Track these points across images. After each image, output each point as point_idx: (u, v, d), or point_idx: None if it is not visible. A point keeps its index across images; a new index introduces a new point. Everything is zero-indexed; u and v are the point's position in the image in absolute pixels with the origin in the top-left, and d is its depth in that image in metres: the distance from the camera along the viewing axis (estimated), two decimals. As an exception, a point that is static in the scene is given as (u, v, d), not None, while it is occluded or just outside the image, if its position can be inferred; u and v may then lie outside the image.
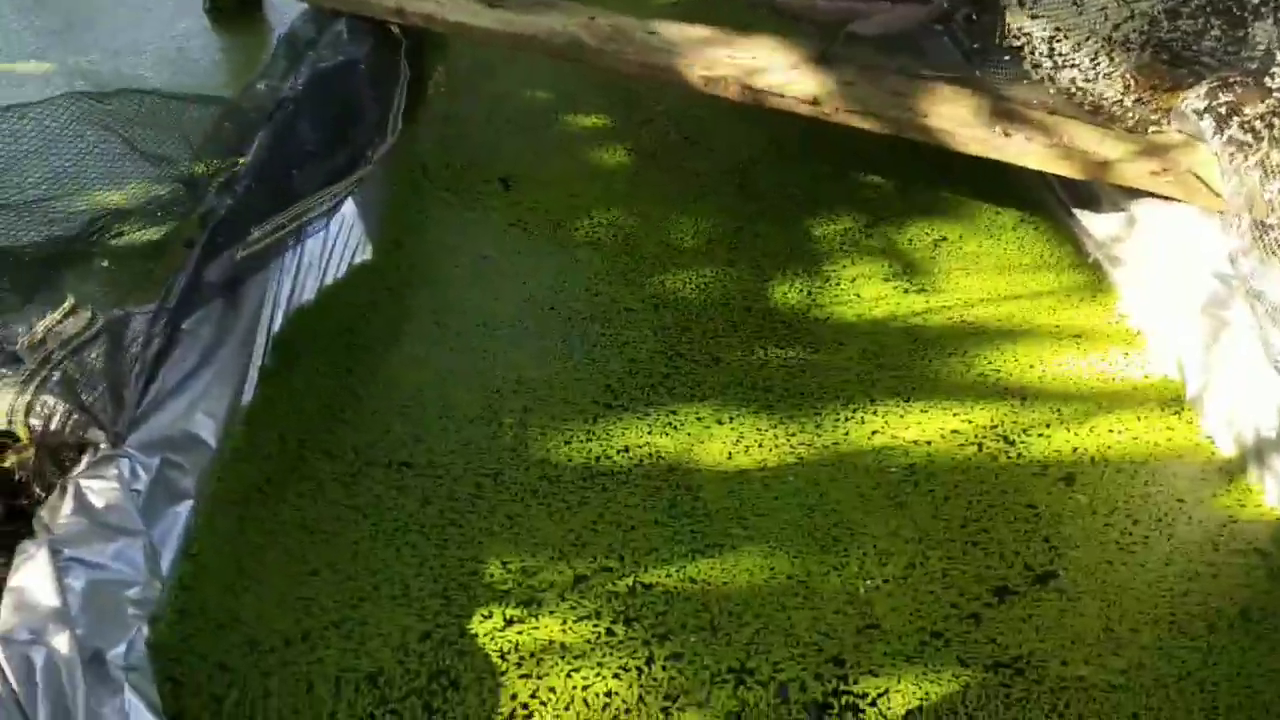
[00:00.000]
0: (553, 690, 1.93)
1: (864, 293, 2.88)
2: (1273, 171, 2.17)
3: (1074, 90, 2.66)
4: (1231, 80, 2.41)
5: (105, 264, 2.36)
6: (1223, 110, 2.36)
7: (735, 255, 3.03)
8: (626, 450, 2.41)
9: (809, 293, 2.88)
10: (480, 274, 2.98)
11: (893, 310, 2.82)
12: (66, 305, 2.04)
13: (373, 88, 3.23)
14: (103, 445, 1.86)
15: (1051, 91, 2.69)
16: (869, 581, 2.11)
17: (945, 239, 3.08)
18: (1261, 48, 2.41)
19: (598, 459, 2.39)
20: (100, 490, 1.80)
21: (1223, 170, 2.32)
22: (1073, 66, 2.64)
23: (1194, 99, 2.44)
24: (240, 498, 2.29)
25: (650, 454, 2.40)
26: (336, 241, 2.91)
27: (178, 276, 2.23)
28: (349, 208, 2.94)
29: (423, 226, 3.19)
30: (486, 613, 2.06)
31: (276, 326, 2.68)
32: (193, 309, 2.20)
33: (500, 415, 2.50)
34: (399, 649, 1.99)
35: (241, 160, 2.80)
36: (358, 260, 2.97)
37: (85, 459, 1.86)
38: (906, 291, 2.88)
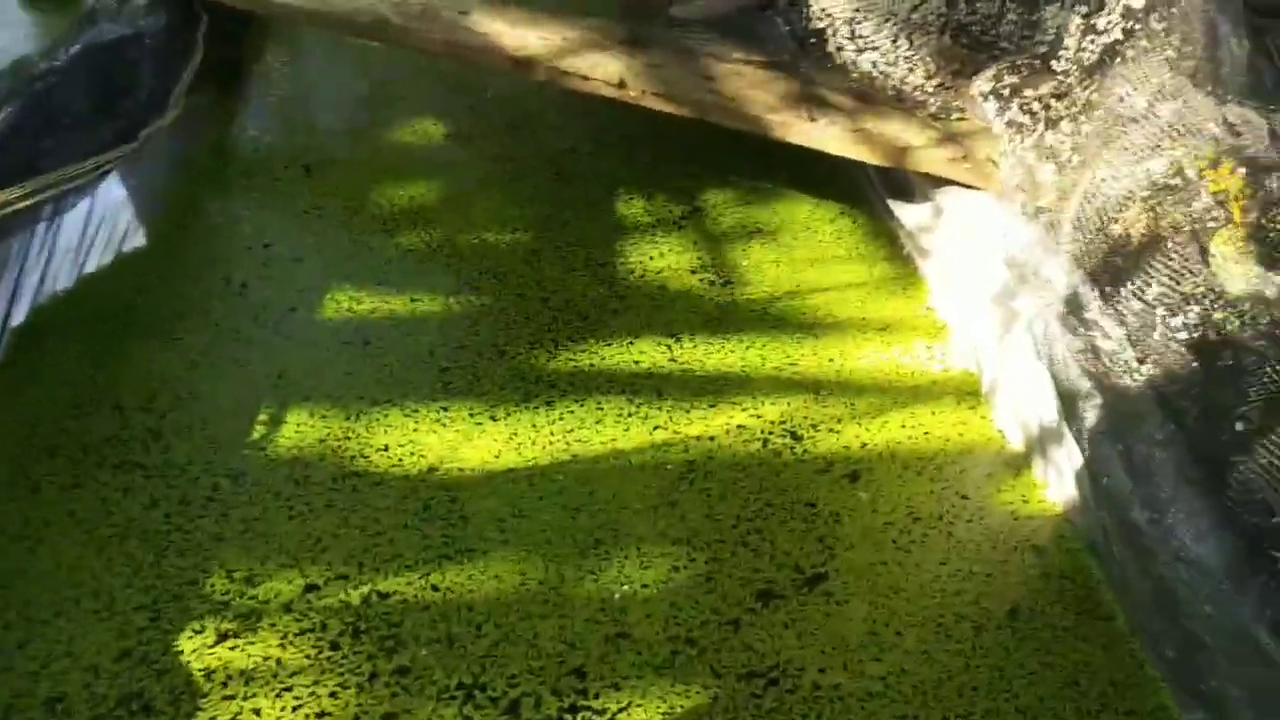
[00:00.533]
0: (257, 713, 1.73)
1: (668, 285, 2.74)
2: (1045, 153, 2.09)
3: (875, 74, 2.57)
4: (1020, 63, 2.34)
5: None
6: (1005, 92, 2.28)
7: (541, 244, 2.87)
8: (386, 449, 2.22)
9: (610, 284, 2.73)
10: (263, 262, 2.76)
11: (694, 304, 2.69)
12: None
13: (155, 63, 3.00)
14: None
15: (854, 76, 2.60)
16: (625, 587, 1.96)
17: (760, 230, 2.96)
18: (1052, 32, 2.34)
19: (353, 458, 2.20)
20: None
21: (1002, 151, 2.24)
22: (873, 49, 2.55)
23: (982, 82, 2.37)
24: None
25: (411, 453, 2.22)
26: (101, 224, 2.66)
27: None
28: (117, 191, 2.70)
29: (211, 211, 2.97)
30: (198, 627, 1.85)
31: (19, 318, 2.44)
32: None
33: (254, 411, 2.29)
34: (89, 669, 1.77)
35: None
36: (127, 246, 2.72)
37: None
38: (712, 284, 2.76)
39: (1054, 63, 2.29)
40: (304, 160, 3.19)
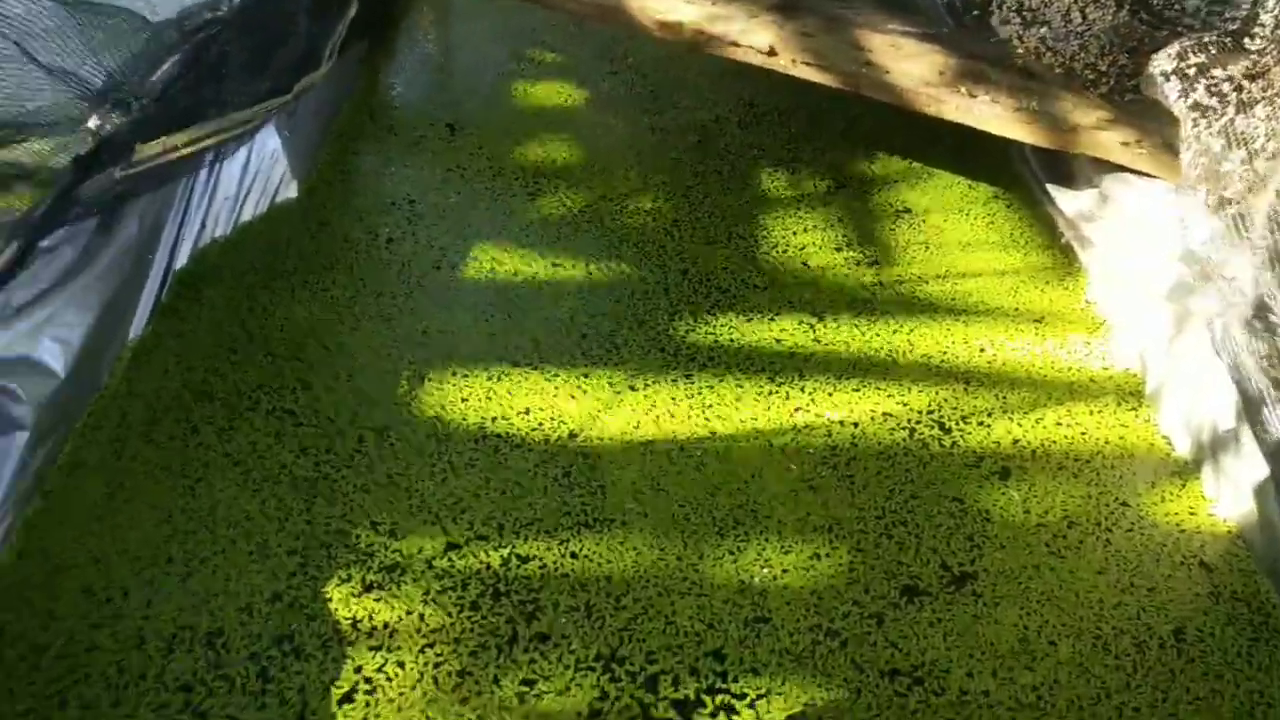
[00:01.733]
0: (401, 665, 1.75)
1: (811, 261, 2.67)
2: (1235, 140, 1.95)
3: (1044, 50, 2.43)
4: (1207, 41, 2.18)
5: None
6: (1190, 72, 2.13)
7: (681, 215, 2.82)
8: (527, 412, 2.22)
9: (752, 258, 2.68)
10: (407, 219, 2.78)
11: (839, 282, 2.61)
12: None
13: (311, 17, 3.03)
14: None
15: (1020, 51, 2.46)
16: (765, 570, 1.92)
17: (909, 210, 2.86)
18: (1245, 7, 2.17)
19: (494, 419, 2.21)
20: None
21: (1184, 137, 2.09)
22: (1044, 24, 2.41)
23: (1164, 60, 2.21)
24: (111, 436, 2.12)
25: (552, 417, 2.21)
26: (257, 176, 2.73)
27: (50, 193, 2.06)
28: (273, 141, 2.76)
29: (356, 168, 3.00)
30: (345, 576, 1.88)
31: (181, 261, 2.52)
32: (55, 225, 2.02)
33: (398, 367, 2.32)
34: (244, 609, 1.82)
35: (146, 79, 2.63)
36: (280, 198, 2.79)
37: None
38: (858, 264, 2.67)
39: (1247, 40, 2.13)
40: (448, 119, 3.20)
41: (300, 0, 3.05)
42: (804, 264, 2.66)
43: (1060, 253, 2.73)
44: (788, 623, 1.83)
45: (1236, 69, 2.07)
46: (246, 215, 2.72)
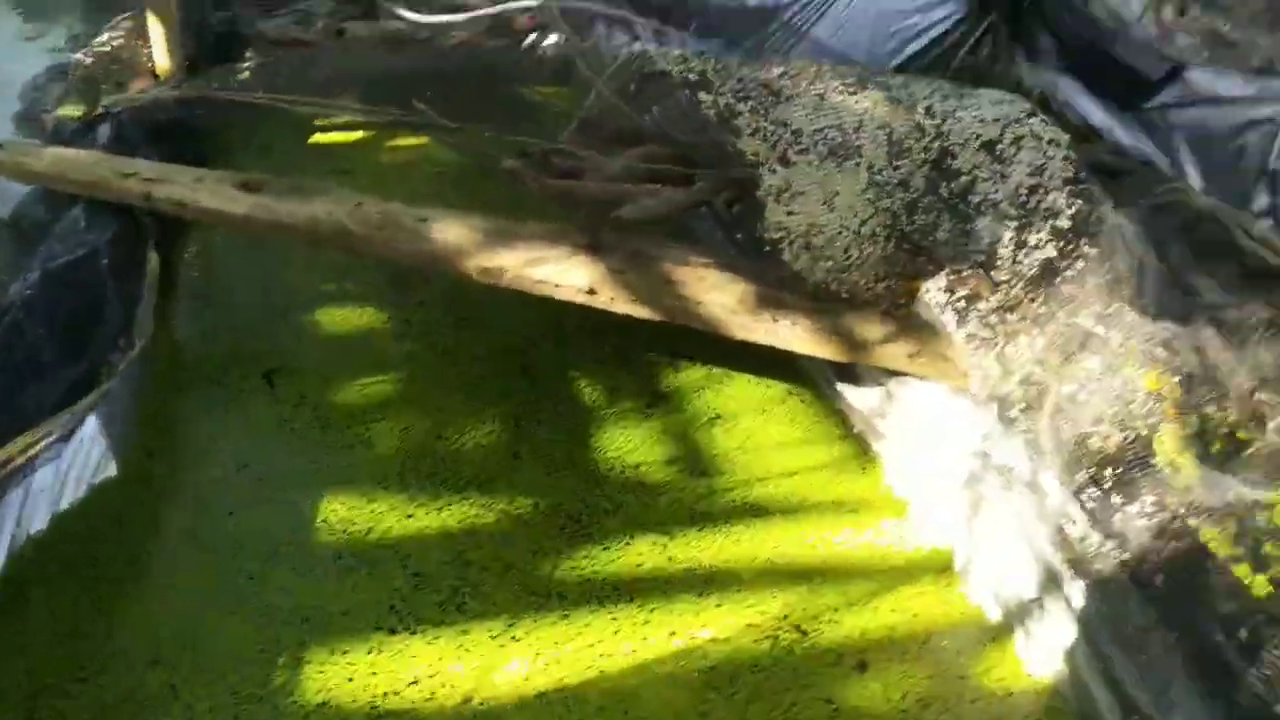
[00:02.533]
0: None
1: (648, 479, 2.88)
2: (1009, 366, 2.38)
3: (829, 280, 2.83)
4: (965, 274, 2.64)
5: None
6: (961, 304, 2.57)
7: (519, 446, 2.97)
8: (416, 683, 2.25)
9: (596, 482, 2.85)
10: (242, 484, 2.75)
11: (678, 496, 2.83)
12: None
13: (117, 282, 2.99)
14: None
15: (809, 280, 2.85)
16: (683, 807, 2.04)
17: (720, 416, 3.15)
18: (985, 241, 2.66)
19: (385, 695, 2.21)
20: None
21: (968, 364, 2.51)
22: (828, 259, 2.81)
23: (935, 291, 2.65)
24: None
25: (443, 685, 2.25)
26: (75, 460, 2.61)
27: None
28: (89, 423, 2.66)
29: (177, 431, 2.93)
30: None
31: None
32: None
33: (273, 653, 2.28)
34: None
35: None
36: (99, 478, 2.67)
37: None
38: (690, 474, 2.91)
39: (995, 272, 2.60)
40: (261, 368, 3.20)
41: (102, 268, 3.00)
42: (642, 483, 2.87)
43: (855, 443, 3.09)
44: None
45: (995, 300, 2.52)
46: (64, 504, 2.58)
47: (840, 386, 3.13)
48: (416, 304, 3.57)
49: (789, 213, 2.93)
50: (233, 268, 3.72)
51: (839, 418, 3.18)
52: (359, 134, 4.90)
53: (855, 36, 4.75)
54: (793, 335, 2.87)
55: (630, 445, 3.01)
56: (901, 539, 2.76)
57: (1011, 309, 2.51)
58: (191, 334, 3.33)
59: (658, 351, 3.42)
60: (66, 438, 2.46)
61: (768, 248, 2.97)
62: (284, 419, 3.00)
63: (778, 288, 2.98)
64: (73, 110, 4.37)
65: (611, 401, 3.19)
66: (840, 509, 2.84)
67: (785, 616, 2.49)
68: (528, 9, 5.17)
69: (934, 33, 5.53)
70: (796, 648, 2.41)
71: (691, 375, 3.33)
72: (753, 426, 3.13)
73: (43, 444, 2.35)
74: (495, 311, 3.54)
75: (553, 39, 5.13)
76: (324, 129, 4.87)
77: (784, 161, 2.95)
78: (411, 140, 4.80)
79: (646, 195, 3.51)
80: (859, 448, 3.08)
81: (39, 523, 2.50)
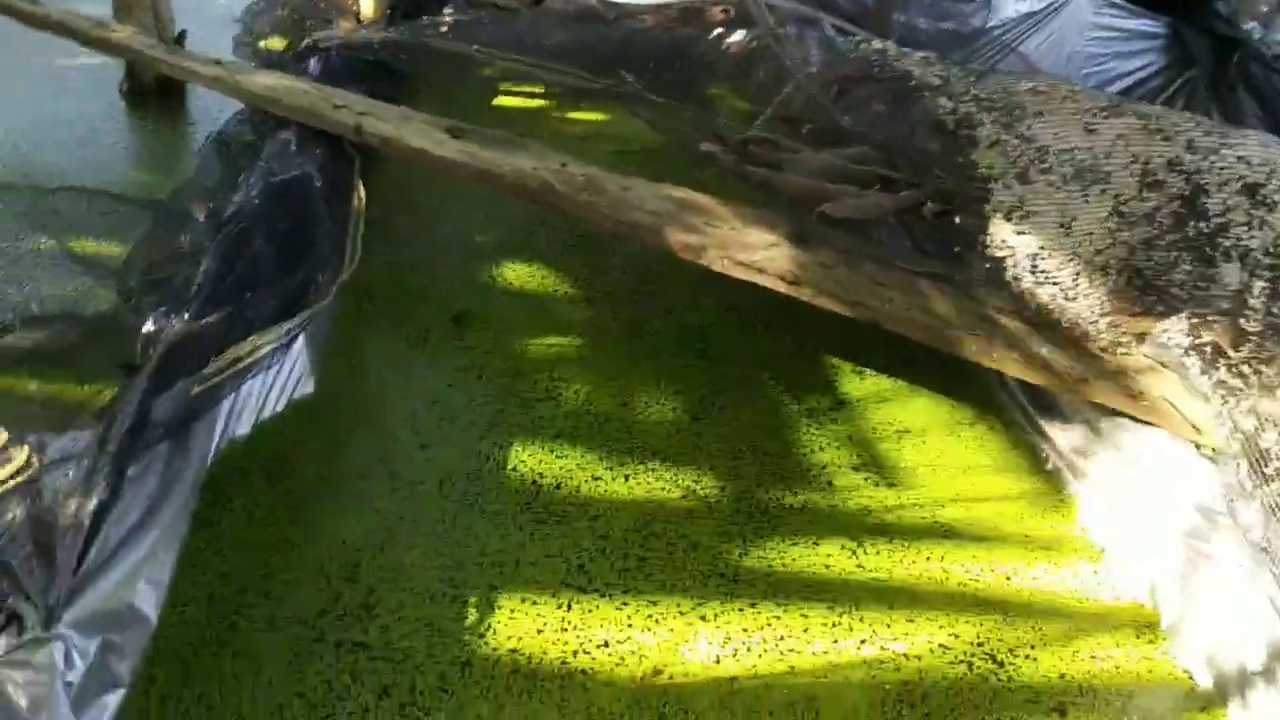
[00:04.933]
0: None
1: (835, 482, 2.80)
2: (1265, 421, 2.23)
3: (1052, 306, 2.71)
4: (1210, 319, 2.50)
5: (32, 386, 2.02)
6: (1208, 351, 2.43)
7: (701, 427, 2.91)
8: (606, 645, 2.19)
9: (781, 476, 2.77)
10: (432, 421, 2.74)
11: (866, 504, 2.74)
12: (-3, 440, 1.70)
13: (328, 207, 3.00)
14: (30, 624, 1.52)
15: (1029, 302, 2.74)
16: (878, 820, 1.94)
17: (908, 431, 3.05)
18: (1232, 288, 2.52)
19: (574, 653, 2.16)
20: (26, 684, 1.46)
21: (1216, 414, 2.37)
22: (1054, 284, 2.70)
23: (1176, 333, 2.52)
24: (160, 675, 1.94)
25: (632, 651, 2.19)
26: (280, 373, 2.62)
27: (120, 411, 1.92)
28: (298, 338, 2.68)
29: (368, 361, 2.94)
30: (458, 843, 1.77)
31: (208, 464, 2.37)
32: (139, 453, 1.88)
33: (464, 593, 2.24)
34: None
35: (183, 276, 2.52)
36: (299, 394, 2.67)
37: (3, 640, 1.51)
38: (878, 485, 2.81)
39: (1243, 320, 2.46)
40: (450, 311, 3.20)
41: (315, 190, 3.02)
42: (829, 484, 2.78)
43: (1046, 478, 2.96)
44: None
45: (1246, 351, 2.38)
46: (266, 413, 2.59)
47: (1039, 417, 3.00)
48: (599, 271, 3.54)
49: (1018, 232, 2.82)
50: (423, 210, 3.73)
51: (1032, 449, 3.05)
52: (539, 103, 4.92)
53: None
54: (1006, 357, 2.75)
55: (815, 445, 2.92)
56: (1098, 586, 2.62)
57: (1267, 361, 2.36)
58: (383, 268, 3.33)
59: (837, 354, 3.33)
60: (283, 348, 2.46)
61: (988, 265, 2.87)
62: (474, 363, 2.98)
63: (989, 305, 2.88)
64: (277, 42, 4.45)
65: (794, 398, 3.10)
66: (1032, 544, 2.71)
67: (980, 644, 2.38)
68: (720, 1, 5.14)
69: (1129, 80, 5.36)
70: (992, 678, 2.30)
71: (875, 384, 3.23)
72: (942, 446, 3.02)
73: (263, 351, 2.35)
74: (675, 289, 3.50)
75: (740, 35, 5.09)
76: (508, 93, 4.91)
77: (1023, 179, 2.84)
78: (591, 115, 4.80)
79: (850, 195, 3.44)
80: (1053, 484, 2.95)
81: (244, 426, 2.51)
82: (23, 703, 1.43)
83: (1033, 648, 2.40)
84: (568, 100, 4.86)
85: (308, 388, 2.72)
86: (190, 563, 2.16)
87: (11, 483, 1.65)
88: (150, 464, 1.92)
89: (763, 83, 4.62)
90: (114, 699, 1.63)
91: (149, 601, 1.75)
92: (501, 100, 4.86)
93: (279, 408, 2.63)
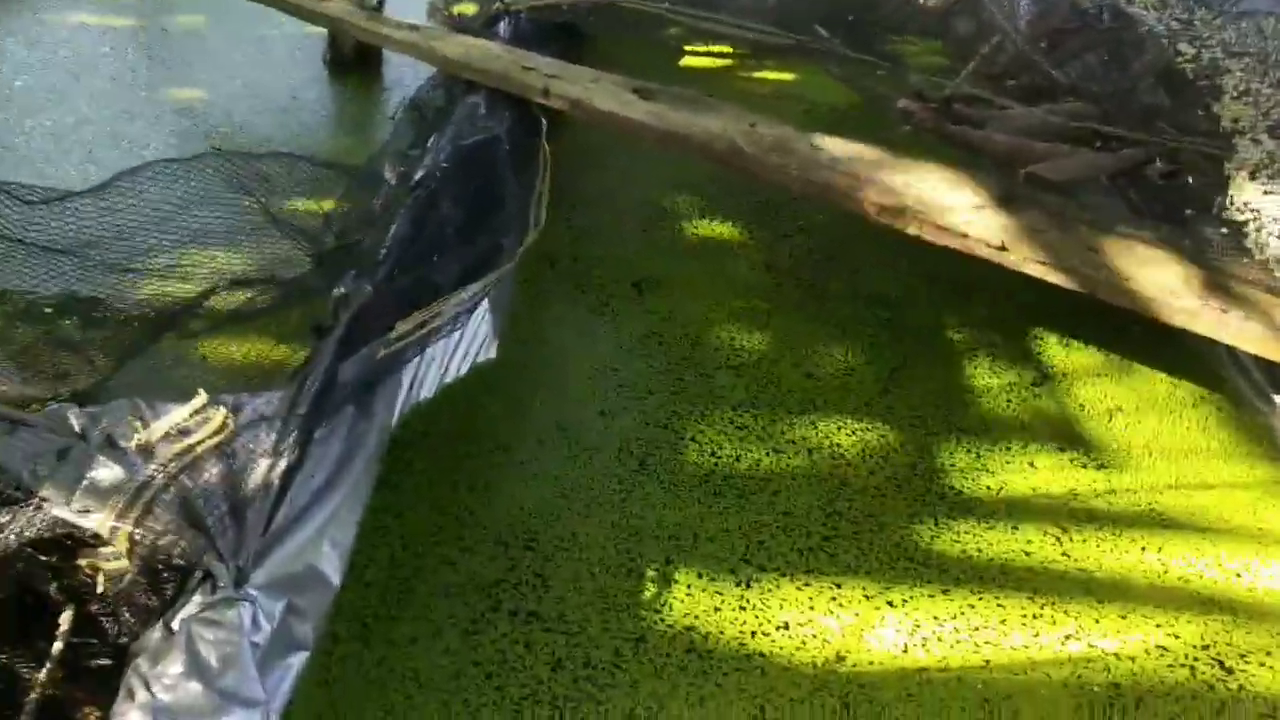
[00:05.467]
0: None
1: (1038, 462, 2.58)
2: None
3: (1304, 274, 2.40)
4: None
5: (233, 347, 2.09)
6: None
7: (891, 400, 2.74)
8: (786, 627, 2.10)
9: (977, 455, 2.58)
10: (610, 388, 2.70)
11: (1072, 487, 2.51)
12: (197, 401, 1.76)
13: (514, 171, 2.99)
14: (222, 584, 1.56)
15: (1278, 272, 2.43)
16: (1085, 836, 1.78)
17: (1120, 409, 2.78)
18: None
19: (753, 634, 2.08)
20: (216, 642, 1.50)
21: None
22: (1307, 248, 2.38)
23: None
24: (342, 634, 1.98)
25: (814, 634, 2.08)
26: (464, 337, 2.65)
27: (310, 373, 1.96)
28: (482, 303, 2.69)
29: (548, 325, 2.93)
30: (633, 825, 1.73)
31: (393, 427, 2.41)
32: (327, 415, 1.91)
33: (639, 565, 2.20)
34: None
35: (373, 240, 2.57)
36: (481, 358, 2.69)
37: (198, 597, 1.56)
38: (1085, 466, 2.58)
39: None
40: (630, 276, 3.15)
41: (503, 153, 3.02)
42: (1031, 464, 2.57)
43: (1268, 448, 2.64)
44: None
45: None
46: (450, 377, 2.62)
47: (1276, 398, 2.68)
48: (782, 235, 3.41)
49: (1265, 192, 2.50)
50: (608, 173, 3.69)
51: (1266, 434, 2.73)
52: (727, 62, 4.78)
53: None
54: (1243, 331, 2.45)
55: (1016, 422, 2.71)
56: (1348, 587, 2.32)
57: None
58: (567, 232, 3.32)
59: (1043, 325, 3.08)
60: (468, 312, 2.47)
61: (1225, 230, 2.56)
62: (652, 330, 2.92)
63: (1222, 273, 2.57)
64: (469, 8, 4.50)
65: (992, 371, 2.89)
66: (1270, 540, 2.42)
67: (1205, 647, 2.14)
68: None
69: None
70: (1220, 686, 2.06)
71: (1084, 358, 2.97)
72: (1160, 427, 2.74)
73: (448, 315, 2.36)
74: (861, 253, 3.32)
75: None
76: (695, 53, 4.80)
77: (1275, 132, 2.51)
78: (779, 74, 4.64)
79: (1062, 154, 3.16)
80: (1291, 469, 2.63)
81: (428, 389, 2.55)
82: (212, 660, 1.47)
83: (1268, 654, 2.14)
84: (755, 59, 4.72)
85: (491, 353, 2.73)
86: (372, 525, 2.20)
87: (209, 443, 1.71)
88: (336, 427, 1.95)
89: (962, 37, 4.33)
90: (297, 661, 1.67)
91: (331, 564, 1.78)
92: (688, 60, 4.76)
93: (463, 372, 2.66)
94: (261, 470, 1.74)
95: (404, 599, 2.07)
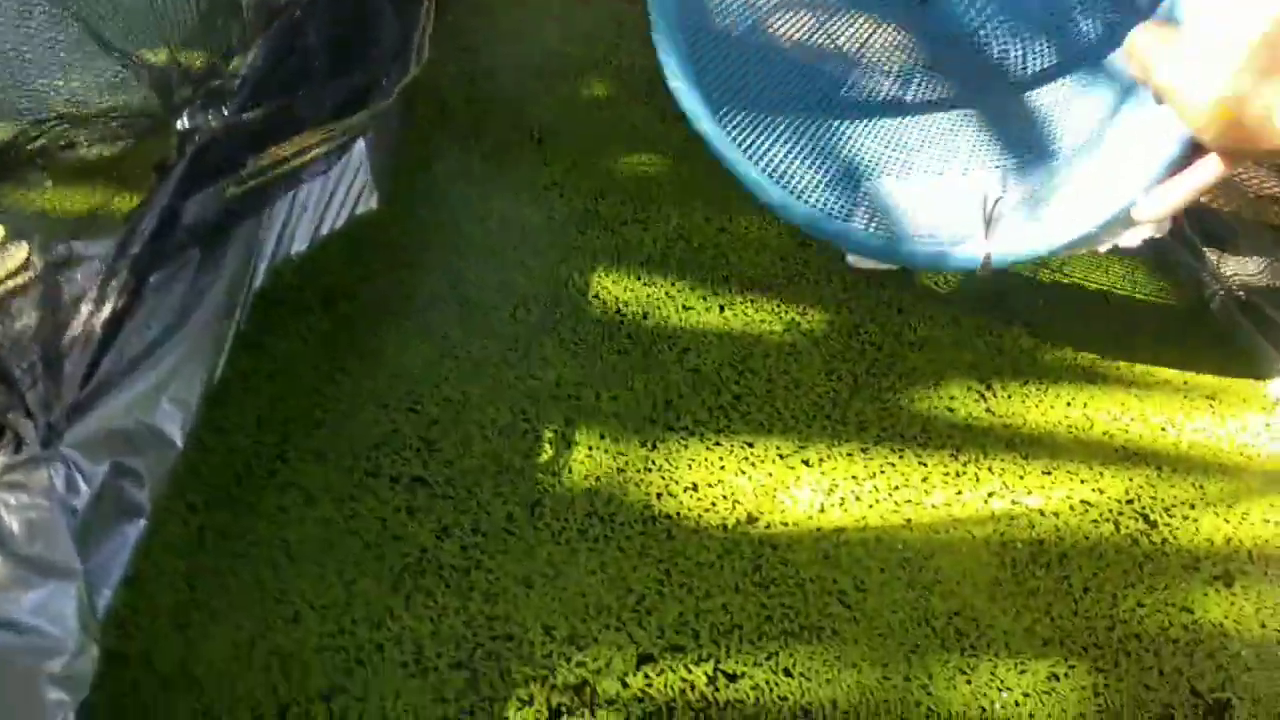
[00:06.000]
0: (615, 817, 1.46)
1: (960, 317, 2.44)
2: None
3: None
4: None
5: (48, 183, 1.80)
6: None
7: (808, 255, 2.56)
8: (695, 489, 1.94)
9: (899, 309, 2.43)
10: (508, 241, 2.46)
11: (996, 342, 2.39)
12: (-5, 235, 1.49)
13: (393, 2, 2.67)
14: (28, 442, 1.32)
15: None
16: (1004, 694, 1.68)
17: (1046, 265, 2.65)
18: None
19: (659, 496, 1.92)
20: (22, 508, 1.27)
21: None
22: None
23: None
24: (200, 503, 1.76)
25: (724, 496, 1.93)
26: (340, 184, 2.37)
27: (146, 212, 1.69)
28: (358, 145, 2.41)
29: (442, 178, 2.65)
30: (525, 696, 1.58)
31: (259, 281, 2.15)
32: (164, 259, 1.65)
33: (537, 426, 2.01)
34: (409, 740, 1.50)
35: (230, 67, 2.25)
36: (361, 209, 2.42)
37: (1, 457, 1.32)
38: (1010, 323, 2.45)
39: None
40: (528, 126, 2.87)
41: (380, -16, 2.69)
42: (954, 320, 2.43)
43: (1214, 319, 2.55)
44: (1045, 763, 1.60)
45: None
46: (325, 229, 2.35)
47: (1208, 252, 2.57)
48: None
49: None
50: (496, 16, 3.36)
51: (1192, 285, 2.63)
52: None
53: None
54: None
55: (939, 279, 2.56)
56: (1271, 441, 2.25)
57: None
58: (457, 76, 3.01)
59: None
60: (339, 153, 2.19)
61: None
62: (554, 182, 2.68)
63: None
64: None
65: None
66: (1195, 393, 2.34)
67: (1129, 501, 2.05)
68: None
69: None
70: (1144, 540, 1.98)
71: (1011, 212, 2.82)
72: (1084, 281, 2.62)
73: (314, 152, 2.09)
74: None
75: None
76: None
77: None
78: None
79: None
80: (1219, 325, 2.54)
81: (300, 242, 2.28)
82: (15, 528, 1.24)
83: (1192, 507, 2.06)
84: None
85: (372, 203, 2.46)
86: (239, 388, 1.96)
87: (11, 283, 1.44)
88: (178, 274, 1.69)
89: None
90: (134, 530, 1.44)
91: (173, 423, 1.54)
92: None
93: (339, 224, 2.39)
94: (82, 317, 1.49)
95: (273, 466, 1.85)
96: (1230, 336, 2.50)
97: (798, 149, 1.93)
